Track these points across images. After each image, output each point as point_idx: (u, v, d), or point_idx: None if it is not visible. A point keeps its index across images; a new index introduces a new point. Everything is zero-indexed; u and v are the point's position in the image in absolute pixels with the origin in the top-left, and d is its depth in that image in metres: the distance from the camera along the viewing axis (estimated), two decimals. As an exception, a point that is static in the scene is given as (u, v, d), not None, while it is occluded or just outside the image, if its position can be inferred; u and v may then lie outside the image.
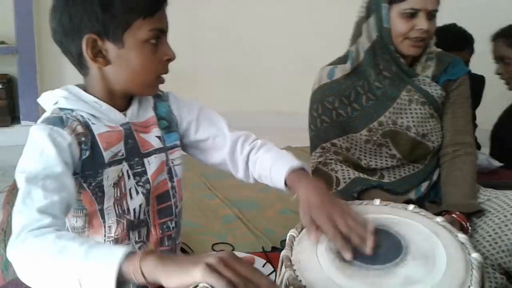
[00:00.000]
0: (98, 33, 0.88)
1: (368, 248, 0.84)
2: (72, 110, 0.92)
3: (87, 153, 0.90)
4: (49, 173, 0.81)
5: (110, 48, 0.90)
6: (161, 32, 0.93)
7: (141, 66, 0.92)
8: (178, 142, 1.05)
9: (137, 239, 0.99)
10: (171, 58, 0.95)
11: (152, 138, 1.00)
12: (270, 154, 1.05)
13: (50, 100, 0.93)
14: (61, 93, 0.93)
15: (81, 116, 0.92)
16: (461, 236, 0.90)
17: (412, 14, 1.36)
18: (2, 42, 2.83)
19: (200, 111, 1.08)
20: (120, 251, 0.69)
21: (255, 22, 3.41)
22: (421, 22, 1.36)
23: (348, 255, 0.83)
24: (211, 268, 0.64)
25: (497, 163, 2.32)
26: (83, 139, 0.89)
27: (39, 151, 0.84)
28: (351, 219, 0.88)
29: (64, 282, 0.71)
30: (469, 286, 0.78)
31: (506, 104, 2.85)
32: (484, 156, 2.18)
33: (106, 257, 0.69)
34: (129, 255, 0.69)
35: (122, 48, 0.90)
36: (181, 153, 1.07)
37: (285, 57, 3.45)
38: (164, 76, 0.98)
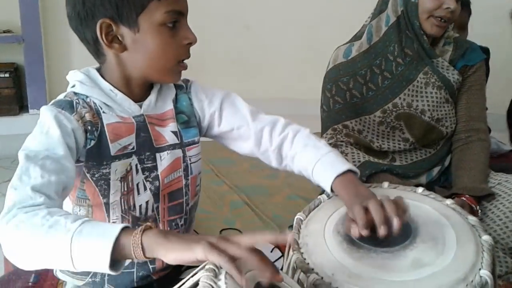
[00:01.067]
0: (112, 17, 0.84)
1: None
2: (86, 96, 0.89)
3: (93, 142, 0.87)
4: (50, 154, 0.80)
5: (125, 33, 0.86)
6: (179, 15, 0.88)
7: (158, 51, 0.87)
8: (196, 139, 1.00)
9: None
10: (192, 41, 0.91)
11: (168, 133, 0.95)
12: (308, 152, 0.99)
13: (71, 80, 0.92)
14: (79, 77, 0.91)
15: (94, 103, 0.89)
16: (472, 219, 0.89)
17: None
18: (8, 31, 2.82)
19: (223, 100, 1.02)
20: (117, 226, 0.68)
21: (262, 9, 3.37)
22: (449, 1, 1.33)
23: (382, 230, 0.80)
24: (212, 245, 0.63)
25: (506, 147, 2.32)
26: (89, 127, 0.86)
27: (43, 131, 0.82)
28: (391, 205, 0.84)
29: (54, 259, 0.69)
30: (479, 269, 0.77)
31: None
32: (493, 140, 2.17)
33: (101, 231, 0.68)
34: (127, 230, 0.68)
35: (138, 32, 0.86)
36: (200, 150, 1.01)
37: (293, 44, 3.42)
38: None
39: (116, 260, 0.67)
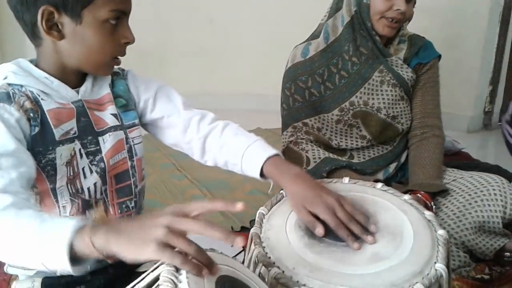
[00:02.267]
0: (56, 5, 0.83)
1: (369, 238, 0.83)
2: (21, 86, 0.87)
3: (37, 129, 0.85)
4: (2, 152, 0.77)
5: (66, 22, 0.85)
6: (122, 14, 0.89)
7: (97, 45, 0.88)
8: (136, 121, 1.01)
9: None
10: (130, 41, 0.92)
11: (107, 116, 0.96)
12: (239, 139, 1.02)
13: (2, 72, 0.89)
14: (11, 68, 0.89)
15: (31, 92, 0.87)
16: (428, 214, 0.92)
17: None
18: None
19: (159, 89, 1.04)
20: (69, 226, 0.65)
21: (226, 3, 3.36)
22: (399, 3, 1.37)
23: (356, 246, 0.82)
24: (162, 245, 0.60)
25: (460, 146, 2.41)
26: (31, 114, 0.85)
27: None
28: (348, 206, 0.87)
29: (30, 262, 0.68)
30: (435, 262, 0.79)
31: (471, 88, 2.92)
32: (448, 139, 2.25)
33: (56, 236, 0.65)
34: (79, 230, 0.65)
35: (80, 24, 0.85)
36: (141, 132, 1.02)
37: (256, 38, 3.43)
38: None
39: (79, 257, 0.65)
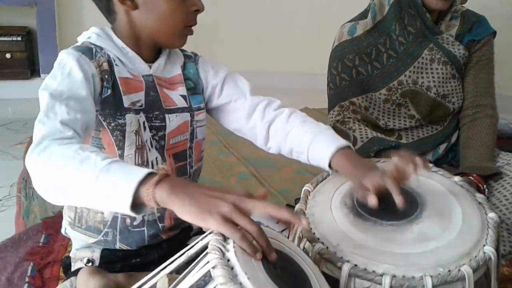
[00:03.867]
0: None
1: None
2: (101, 48, 0.92)
3: (109, 91, 0.89)
4: (74, 94, 0.81)
5: None
6: None
7: (168, 13, 0.91)
8: (202, 105, 1.03)
9: None
10: (199, 9, 0.94)
11: (177, 96, 0.99)
12: (307, 126, 0.99)
13: (86, 34, 0.95)
14: (95, 30, 0.94)
15: (108, 55, 0.92)
16: (479, 196, 0.90)
17: None
18: (21, -7, 2.81)
19: (227, 75, 1.06)
20: (141, 171, 0.67)
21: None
22: None
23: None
24: (225, 219, 0.63)
25: (517, 129, 2.30)
26: (106, 76, 0.89)
27: (65, 72, 0.84)
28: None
29: (80, 192, 0.70)
30: (484, 245, 0.78)
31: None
32: (504, 121, 2.16)
33: (126, 174, 0.67)
34: (147, 178, 0.67)
35: None
36: (205, 115, 1.05)
37: (305, 16, 3.39)
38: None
39: (138, 203, 0.67)
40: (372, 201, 0.83)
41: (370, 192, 0.83)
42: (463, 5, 1.50)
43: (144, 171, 0.67)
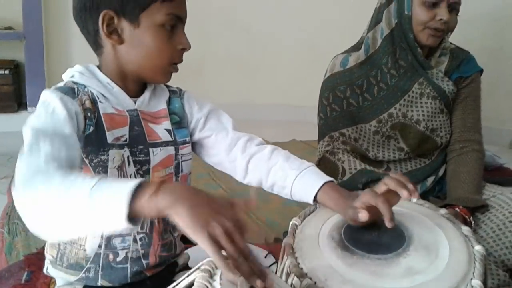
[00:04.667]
0: (115, 10, 0.89)
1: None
2: (85, 86, 0.92)
3: (92, 128, 0.89)
4: (58, 132, 0.81)
5: (125, 26, 0.91)
6: (178, 19, 0.93)
7: (154, 50, 0.92)
8: (188, 138, 1.04)
9: (139, 230, 0.98)
10: (186, 48, 0.95)
11: (161, 130, 0.99)
12: (292, 162, 1.02)
13: (70, 72, 0.95)
14: (78, 68, 0.95)
15: (92, 93, 0.92)
16: (465, 229, 0.90)
17: (434, 4, 1.37)
18: (9, 28, 2.81)
19: (211, 110, 1.07)
20: (132, 182, 0.67)
21: (263, 13, 3.39)
22: (442, 13, 1.36)
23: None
24: (214, 240, 0.63)
25: (502, 161, 2.33)
26: (89, 114, 0.89)
27: (49, 111, 0.84)
28: None
29: (76, 218, 0.68)
30: (471, 278, 0.77)
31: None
32: (489, 153, 2.18)
33: (117, 192, 0.67)
34: (138, 189, 0.67)
35: (137, 28, 0.91)
36: (191, 150, 1.05)
37: (293, 49, 3.44)
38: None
39: (133, 215, 0.67)
40: (363, 215, 0.84)
41: (360, 209, 0.85)
42: (448, 38, 1.54)
43: (133, 183, 0.67)
